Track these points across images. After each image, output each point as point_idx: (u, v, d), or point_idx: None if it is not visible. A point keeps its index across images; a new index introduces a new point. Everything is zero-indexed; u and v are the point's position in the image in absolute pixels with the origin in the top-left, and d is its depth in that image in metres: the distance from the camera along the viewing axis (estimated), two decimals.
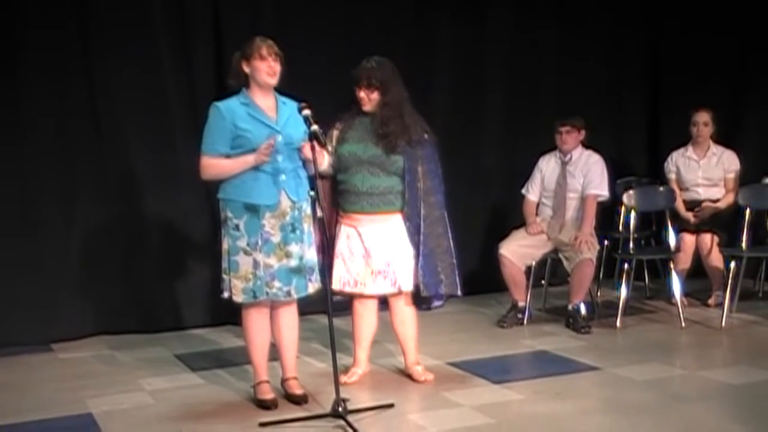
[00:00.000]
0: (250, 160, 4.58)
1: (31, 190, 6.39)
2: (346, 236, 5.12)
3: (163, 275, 6.72)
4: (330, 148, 5.03)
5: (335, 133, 5.13)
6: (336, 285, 5.08)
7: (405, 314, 5.23)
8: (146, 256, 6.70)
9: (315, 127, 4.54)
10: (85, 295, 6.54)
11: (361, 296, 5.21)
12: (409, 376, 5.27)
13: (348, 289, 5.14)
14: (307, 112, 4.59)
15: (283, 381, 4.93)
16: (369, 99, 5.07)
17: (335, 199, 5.18)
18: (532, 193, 6.77)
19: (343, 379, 5.00)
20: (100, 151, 6.57)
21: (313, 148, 4.53)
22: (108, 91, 6.53)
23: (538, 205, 6.76)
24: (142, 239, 6.69)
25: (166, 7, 6.66)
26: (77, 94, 6.48)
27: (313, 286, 4.80)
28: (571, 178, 6.57)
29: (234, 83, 4.74)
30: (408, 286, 5.10)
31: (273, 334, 4.89)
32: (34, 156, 6.37)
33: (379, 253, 5.05)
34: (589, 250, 6.32)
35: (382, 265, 5.06)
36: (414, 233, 5.04)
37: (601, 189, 6.54)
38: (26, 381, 5.57)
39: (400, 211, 5.05)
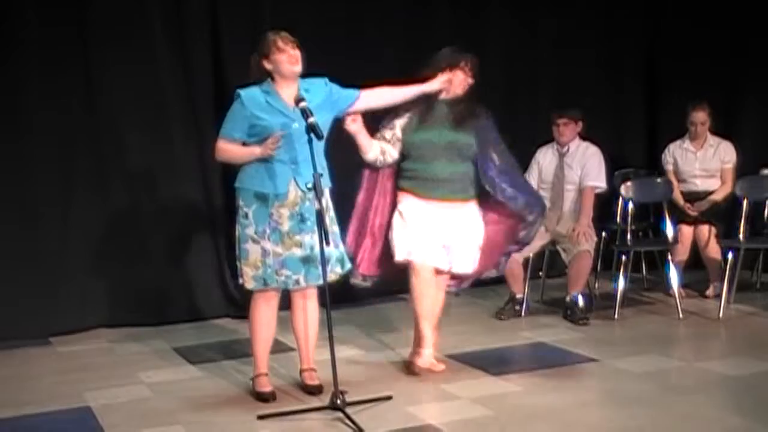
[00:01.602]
0: (256, 151, 4.63)
1: (29, 184, 6.40)
2: (414, 210, 5.15)
3: (162, 268, 6.72)
4: (398, 134, 5.18)
5: (404, 121, 5.23)
6: (401, 256, 5.14)
7: (440, 297, 5.32)
8: (144, 250, 6.70)
9: (312, 119, 4.54)
10: (83, 288, 6.54)
11: (421, 269, 5.18)
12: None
13: (409, 258, 5.15)
14: (303, 104, 4.59)
15: (301, 371, 4.96)
16: (466, 83, 5.29)
17: (395, 182, 5.28)
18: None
19: (419, 362, 5.17)
20: (98, 145, 6.57)
21: (310, 141, 4.52)
22: (105, 86, 6.54)
23: None
24: (140, 233, 6.69)
25: (164, 2, 6.65)
26: (75, 89, 6.48)
27: (330, 275, 4.70)
28: (569, 169, 6.57)
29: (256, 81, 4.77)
30: (461, 269, 5.25)
31: (292, 324, 4.93)
32: (33, 150, 6.38)
33: (445, 231, 5.14)
34: (587, 242, 6.33)
35: (446, 241, 5.16)
36: (494, 181, 5.20)
37: (598, 181, 6.54)
38: (25, 374, 5.57)
39: (474, 199, 5.24)
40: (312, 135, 4.50)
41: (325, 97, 4.81)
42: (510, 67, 7.81)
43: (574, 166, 6.58)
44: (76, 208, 6.53)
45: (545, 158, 6.74)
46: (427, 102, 5.20)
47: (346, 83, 7.07)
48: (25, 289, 6.34)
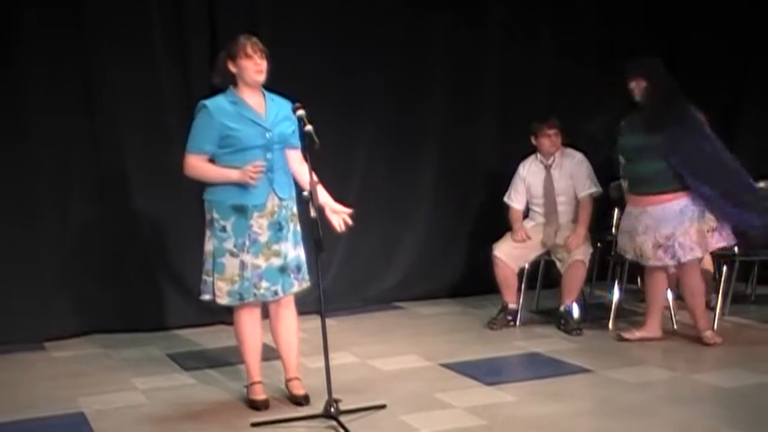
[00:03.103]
0: (234, 176, 4.58)
1: (25, 188, 6.39)
2: (632, 215, 5.89)
3: (157, 274, 6.72)
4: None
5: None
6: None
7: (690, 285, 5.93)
8: (140, 255, 6.70)
9: (309, 127, 4.54)
10: (78, 293, 6.53)
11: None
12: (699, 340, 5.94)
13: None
14: (301, 112, 4.59)
15: (286, 381, 4.93)
16: (637, 87, 5.89)
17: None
18: (516, 201, 6.71)
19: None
20: (95, 149, 6.57)
21: (305, 149, 4.53)
22: (103, 89, 6.54)
23: (527, 211, 6.72)
24: (136, 238, 6.69)
25: (162, 4, 6.66)
26: (73, 91, 6.48)
27: (300, 284, 4.78)
28: (558, 180, 6.55)
29: (219, 83, 4.75)
30: (687, 257, 5.75)
31: (272, 335, 4.90)
32: (31, 152, 6.38)
33: (661, 228, 5.72)
34: (581, 252, 6.32)
35: (663, 239, 5.72)
36: (710, 197, 5.70)
37: (594, 186, 6.51)
38: (18, 379, 5.56)
39: (680, 191, 5.72)
40: (308, 142, 4.51)
41: (288, 116, 4.72)
42: (507, 76, 7.79)
43: (563, 176, 6.55)
44: (73, 211, 6.53)
45: (530, 172, 6.65)
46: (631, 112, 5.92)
47: (341, 86, 7.09)
48: (20, 294, 6.33)
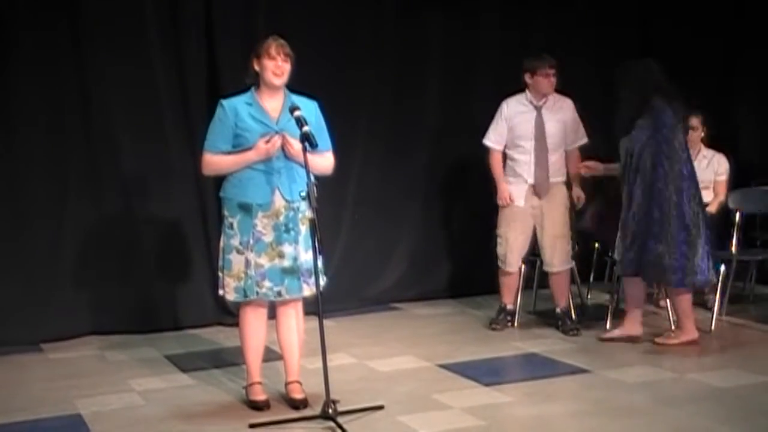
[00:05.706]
0: (251, 156, 4.60)
1: (21, 189, 6.38)
2: None
3: (154, 275, 6.71)
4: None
5: None
6: None
7: None
8: (137, 256, 6.68)
9: (306, 128, 4.55)
10: (75, 294, 6.52)
11: None
12: None
13: None
14: (298, 113, 4.60)
15: (286, 384, 4.92)
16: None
17: None
18: (496, 142, 6.34)
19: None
20: (92, 149, 6.56)
21: (305, 150, 4.53)
22: (99, 89, 6.53)
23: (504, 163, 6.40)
24: (133, 238, 6.68)
25: (158, 4, 6.66)
26: (68, 91, 6.48)
27: (311, 289, 4.74)
28: (549, 123, 6.23)
29: (250, 82, 4.76)
30: None
31: (277, 336, 4.90)
32: (25, 154, 6.37)
33: None
34: (561, 262, 6.29)
35: None
36: None
37: (584, 137, 6.34)
38: (15, 381, 5.55)
39: None
40: (306, 144, 4.51)
41: (313, 121, 4.70)
42: (502, 75, 7.76)
43: (553, 119, 6.24)
44: (68, 214, 6.51)
45: (516, 113, 6.28)
46: None
47: (338, 88, 7.09)
48: (17, 295, 6.32)
